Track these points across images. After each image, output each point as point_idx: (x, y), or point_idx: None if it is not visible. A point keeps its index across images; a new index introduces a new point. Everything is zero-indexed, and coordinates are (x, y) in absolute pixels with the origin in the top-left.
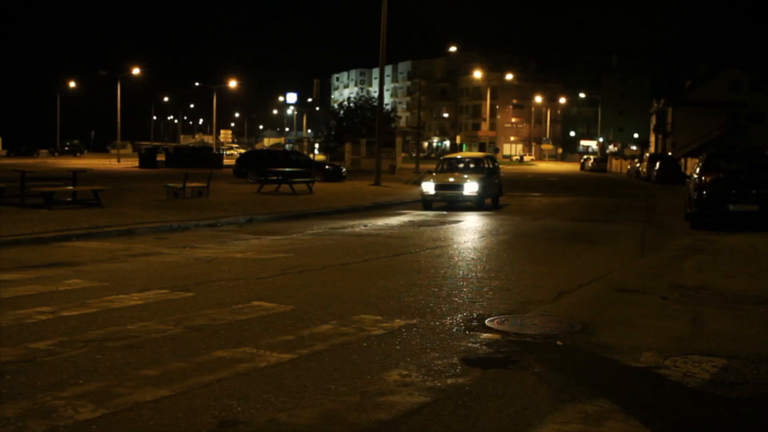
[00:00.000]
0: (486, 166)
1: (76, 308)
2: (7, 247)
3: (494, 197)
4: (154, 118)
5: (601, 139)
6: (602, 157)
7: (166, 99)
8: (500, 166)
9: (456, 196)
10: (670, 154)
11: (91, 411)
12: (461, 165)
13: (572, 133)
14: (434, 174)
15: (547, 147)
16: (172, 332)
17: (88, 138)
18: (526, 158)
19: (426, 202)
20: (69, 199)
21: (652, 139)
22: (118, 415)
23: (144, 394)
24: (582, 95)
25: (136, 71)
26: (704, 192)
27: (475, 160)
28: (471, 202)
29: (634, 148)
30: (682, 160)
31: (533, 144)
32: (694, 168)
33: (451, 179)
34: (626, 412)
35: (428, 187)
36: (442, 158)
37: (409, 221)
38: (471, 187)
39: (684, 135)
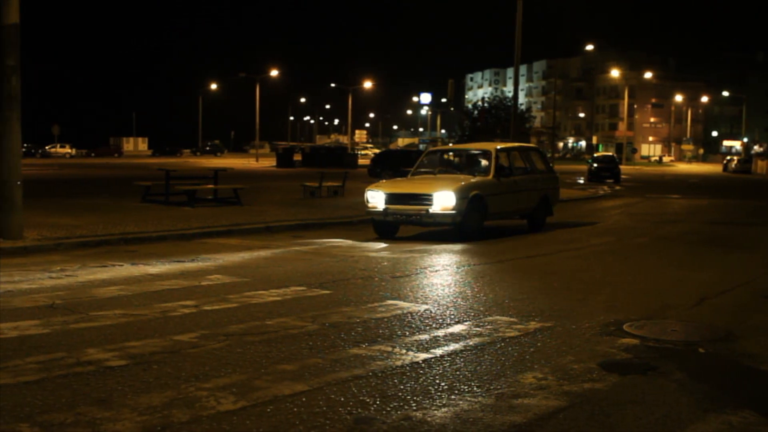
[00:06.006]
0: (501, 163)
1: (217, 303)
2: (153, 243)
3: (531, 216)
4: (291, 118)
5: (745, 139)
6: (746, 158)
7: (302, 100)
8: (638, 167)
9: (417, 215)
10: None
11: (232, 403)
12: (456, 161)
13: (714, 133)
14: (403, 177)
15: (687, 147)
16: (309, 329)
17: (227, 138)
18: (665, 159)
19: (376, 224)
20: (210, 198)
21: None
22: (258, 407)
23: (282, 388)
24: (725, 94)
25: (274, 73)
26: None
27: (483, 154)
28: (447, 225)
29: None
30: None
31: (673, 144)
32: None
33: (411, 187)
34: None
35: (375, 198)
36: (428, 150)
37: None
38: (443, 200)
39: None
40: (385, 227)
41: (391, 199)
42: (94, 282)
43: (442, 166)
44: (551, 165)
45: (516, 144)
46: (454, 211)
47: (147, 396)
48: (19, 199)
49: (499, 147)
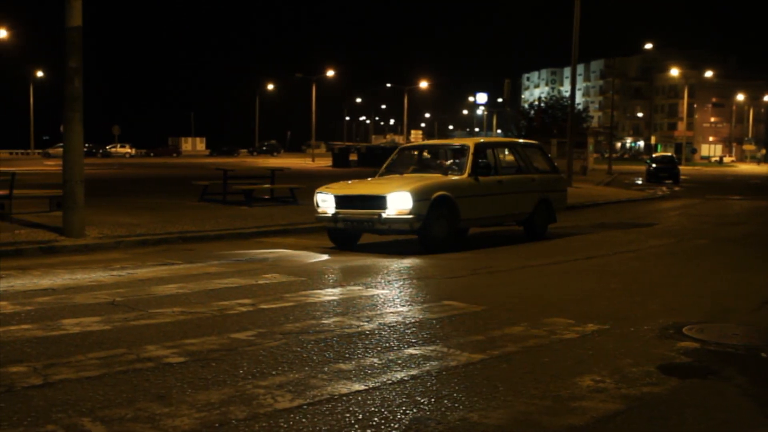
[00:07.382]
0: (481, 160)
1: (274, 301)
2: (211, 241)
3: (527, 222)
4: (347, 118)
5: None
6: None
7: (358, 100)
8: (697, 167)
9: (368, 221)
10: None
11: (288, 401)
12: (434, 161)
13: None
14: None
15: (749, 148)
16: (365, 328)
17: (283, 138)
18: (726, 159)
19: (330, 232)
20: (267, 197)
21: None
22: (314, 406)
23: (339, 387)
24: None
25: (330, 73)
26: None
27: (461, 150)
28: (404, 232)
29: None
30: None
31: (734, 145)
32: None
33: (365, 188)
34: None
35: (326, 202)
36: (399, 148)
37: (601, 223)
38: (398, 203)
39: None
40: (339, 235)
41: (342, 202)
42: (153, 280)
43: (417, 165)
44: (555, 164)
45: (507, 139)
46: (411, 216)
47: (205, 393)
48: (81, 197)
49: (479, 141)
